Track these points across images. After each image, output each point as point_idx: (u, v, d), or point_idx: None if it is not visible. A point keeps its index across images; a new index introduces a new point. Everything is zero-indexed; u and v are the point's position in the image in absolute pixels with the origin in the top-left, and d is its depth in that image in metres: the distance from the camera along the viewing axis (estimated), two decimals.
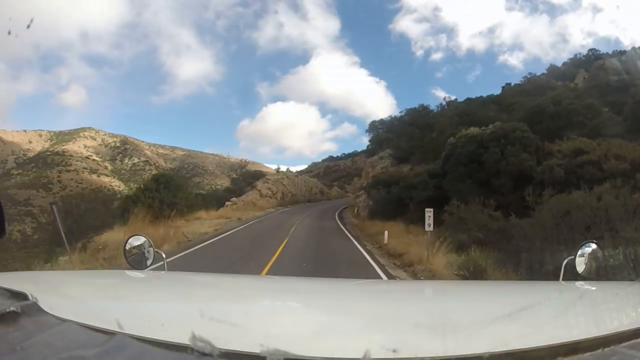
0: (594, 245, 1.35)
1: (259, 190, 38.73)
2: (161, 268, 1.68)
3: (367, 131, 43.12)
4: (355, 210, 26.93)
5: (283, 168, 62.59)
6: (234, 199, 33.04)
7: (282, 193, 41.56)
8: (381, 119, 42.63)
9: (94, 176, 61.13)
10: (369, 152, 35.91)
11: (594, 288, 1.23)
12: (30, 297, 0.58)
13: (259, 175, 49.29)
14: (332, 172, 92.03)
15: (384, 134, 37.45)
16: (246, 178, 48.57)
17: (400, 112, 38.49)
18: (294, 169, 64.81)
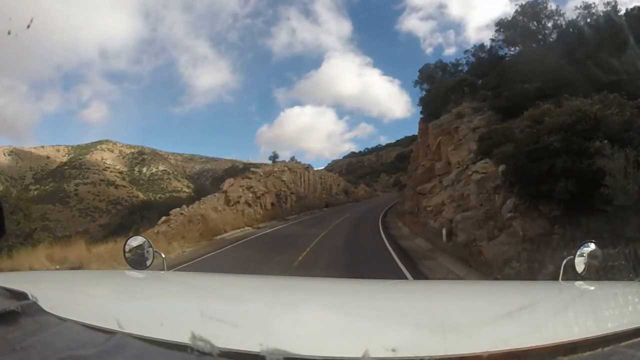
0: (593, 245, 1.35)
1: (225, 193, 20.40)
2: (160, 268, 1.68)
3: (416, 83, 23.87)
4: (445, 235, 10.24)
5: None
6: (176, 209, 17.55)
7: (276, 196, 23.76)
8: (439, 61, 25.30)
9: (112, 188, 61.23)
10: (429, 114, 19.51)
11: (593, 288, 1.23)
12: (30, 296, 0.58)
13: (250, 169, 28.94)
14: (355, 170, 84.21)
15: (460, 78, 20.38)
16: (230, 176, 27.57)
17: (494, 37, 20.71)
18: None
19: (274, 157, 34.37)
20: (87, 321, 0.57)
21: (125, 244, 1.55)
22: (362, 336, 0.72)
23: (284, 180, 26.73)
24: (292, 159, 35.71)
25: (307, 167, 34.59)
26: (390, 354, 0.52)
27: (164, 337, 0.54)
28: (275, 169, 28.21)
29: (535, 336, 0.63)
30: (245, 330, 0.70)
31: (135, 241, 1.55)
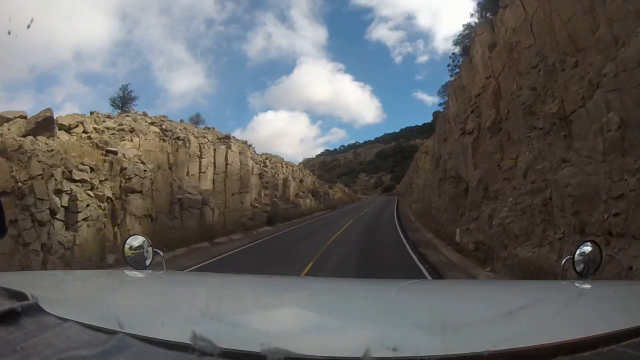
0: (592, 245, 1.36)
1: None
2: (160, 268, 1.68)
3: None
4: None
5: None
6: None
7: None
8: None
9: None
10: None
11: (593, 287, 1.23)
12: (30, 297, 0.58)
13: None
14: (330, 169, 75.50)
15: None
16: None
17: None
18: None
19: (121, 102, 15.08)
20: (87, 321, 0.57)
21: (124, 244, 1.55)
22: (363, 336, 0.72)
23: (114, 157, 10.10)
24: (194, 118, 18.09)
25: (226, 138, 16.93)
26: (391, 354, 0.52)
27: (165, 337, 0.54)
28: (90, 127, 11.10)
29: (535, 336, 0.63)
30: (246, 330, 0.70)
31: (135, 241, 1.54)
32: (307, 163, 77.05)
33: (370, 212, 26.24)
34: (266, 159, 23.58)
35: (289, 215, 20.43)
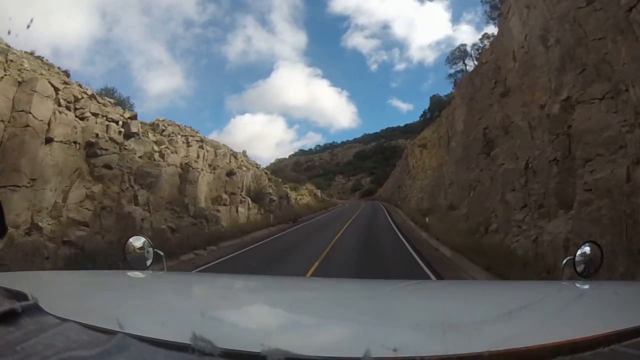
0: (593, 245, 1.35)
1: None
2: (160, 268, 1.68)
3: None
4: None
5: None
6: None
7: None
8: None
9: None
10: None
11: (593, 287, 1.23)
12: (30, 297, 0.58)
13: None
14: (304, 170, 69.92)
15: None
16: None
17: None
18: None
19: None
20: (87, 321, 0.57)
21: (125, 244, 1.55)
22: (363, 336, 0.72)
23: None
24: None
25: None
26: (391, 354, 0.52)
27: (165, 337, 0.54)
28: None
29: (535, 336, 0.63)
30: (246, 330, 0.70)
31: (136, 241, 1.55)
32: (280, 163, 70.96)
33: (354, 231, 15.08)
34: (130, 118, 11.49)
35: (172, 244, 8.80)
